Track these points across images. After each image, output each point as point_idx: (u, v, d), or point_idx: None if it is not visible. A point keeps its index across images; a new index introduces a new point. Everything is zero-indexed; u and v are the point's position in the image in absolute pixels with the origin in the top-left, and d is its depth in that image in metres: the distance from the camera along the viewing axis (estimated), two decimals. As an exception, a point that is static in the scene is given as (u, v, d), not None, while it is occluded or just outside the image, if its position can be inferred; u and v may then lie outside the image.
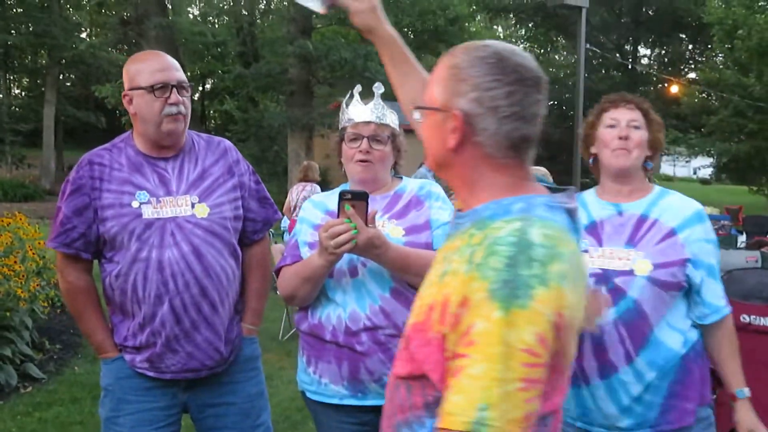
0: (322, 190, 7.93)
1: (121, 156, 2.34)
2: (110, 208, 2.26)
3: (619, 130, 2.24)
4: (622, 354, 2.12)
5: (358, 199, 2.06)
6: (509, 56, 1.26)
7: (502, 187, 1.28)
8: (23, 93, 39.84)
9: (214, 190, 2.37)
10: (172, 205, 2.29)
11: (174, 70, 2.32)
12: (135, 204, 2.26)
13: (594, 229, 2.26)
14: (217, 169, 2.42)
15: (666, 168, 54.03)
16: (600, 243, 2.22)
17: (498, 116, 1.24)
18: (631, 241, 2.18)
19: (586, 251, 2.21)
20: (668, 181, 45.45)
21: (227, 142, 2.55)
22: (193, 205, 2.31)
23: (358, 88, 2.41)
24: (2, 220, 6.30)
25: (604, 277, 2.16)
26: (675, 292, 2.14)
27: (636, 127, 2.25)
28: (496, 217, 1.22)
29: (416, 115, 1.39)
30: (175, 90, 2.29)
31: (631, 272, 2.13)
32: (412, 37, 36.53)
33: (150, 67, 2.30)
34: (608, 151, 2.26)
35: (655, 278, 2.11)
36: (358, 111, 2.35)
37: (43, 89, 31.00)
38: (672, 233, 2.16)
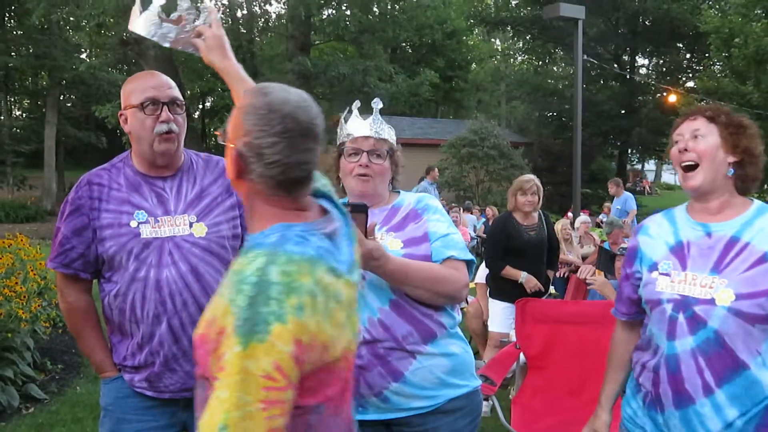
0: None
1: (120, 176, 2.34)
2: (108, 227, 2.26)
3: (682, 143, 2.11)
4: (699, 385, 1.98)
5: (357, 211, 2.05)
6: (280, 107, 1.41)
7: (270, 217, 1.47)
8: (24, 114, 39.95)
9: (212, 210, 2.37)
10: (170, 225, 2.29)
11: (167, 88, 2.32)
12: (133, 223, 2.26)
13: (680, 251, 2.10)
14: (216, 189, 2.42)
15: (667, 177, 54.01)
16: (684, 267, 2.06)
17: (263, 162, 1.42)
18: (717, 268, 2.00)
19: (666, 274, 2.09)
20: (670, 190, 45.43)
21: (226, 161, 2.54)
22: (191, 225, 2.31)
23: (356, 103, 2.42)
24: (3, 242, 6.31)
25: (683, 303, 2.02)
26: (765, 325, 1.94)
27: (699, 137, 2.08)
28: (256, 248, 1.41)
29: (221, 140, 1.54)
30: (166, 107, 2.28)
31: (711, 301, 1.97)
32: (410, 51, 36.76)
33: (142, 85, 2.30)
34: (680, 170, 2.12)
35: (738, 309, 1.94)
36: (356, 126, 2.36)
37: (44, 110, 31.06)
38: (764, 259, 1.97)
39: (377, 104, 2.39)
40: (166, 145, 2.30)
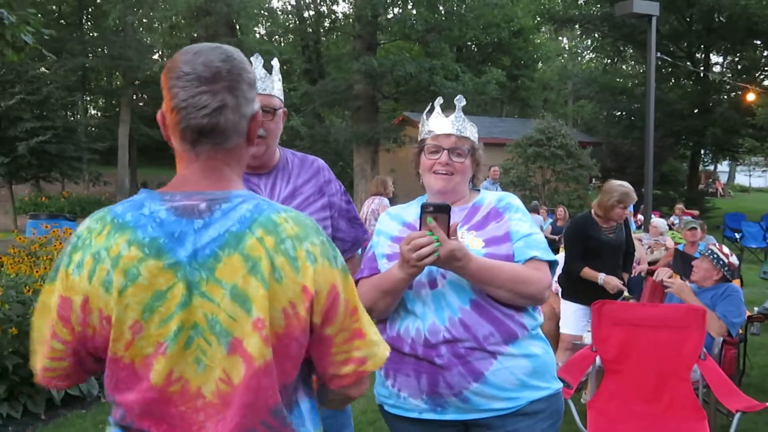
0: (391, 204, 7.95)
1: None
2: None
3: None
4: None
5: (440, 211, 2.04)
6: (182, 56, 1.40)
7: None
8: (99, 113, 41.42)
9: (303, 209, 2.39)
10: None
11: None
12: None
13: None
14: (308, 189, 2.44)
15: (741, 178, 52.23)
16: None
17: (169, 112, 1.39)
18: None
19: None
20: (744, 192, 43.89)
21: (321, 162, 2.56)
22: None
23: (439, 100, 2.42)
24: (65, 231, 6.51)
25: None
26: None
27: None
28: None
29: None
30: None
31: None
32: (475, 50, 36.52)
33: None
34: None
35: None
36: (438, 123, 2.35)
37: (118, 109, 32.14)
38: None
39: (460, 102, 2.37)
40: (254, 149, 2.31)
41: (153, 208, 1.36)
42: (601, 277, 4.95)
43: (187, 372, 1.33)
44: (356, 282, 2.32)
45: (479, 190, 2.45)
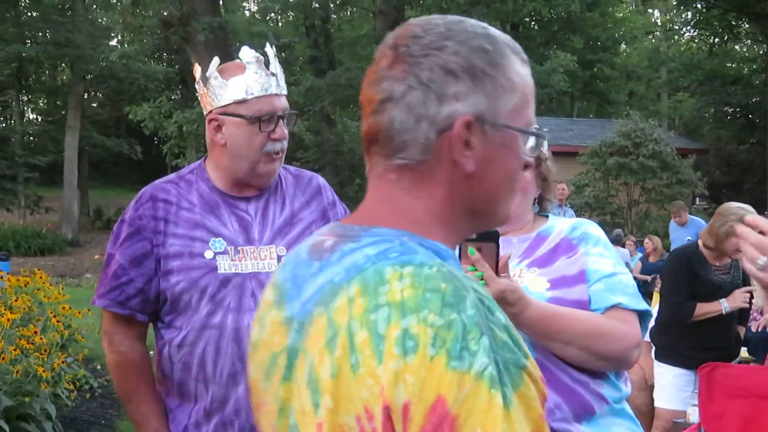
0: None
1: (192, 192, 2.42)
2: (177, 257, 2.33)
3: None
4: None
5: (485, 240, 2.04)
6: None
7: None
8: (40, 118, 41.86)
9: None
10: (253, 258, 2.35)
11: (282, 92, 2.41)
12: (208, 254, 2.32)
13: None
14: (309, 214, 2.48)
15: None
16: None
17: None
18: None
19: None
20: None
21: (320, 179, 2.61)
22: (279, 258, 2.36)
23: None
24: (19, 279, 6.56)
25: None
26: None
27: None
28: None
29: None
30: (281, 122, 2.36)
31: None
32: (536, 28, 36.65)
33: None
34: None
35: None
36: None
37: (64, 112, 32.51)
38: None
39: None
40: (271, 166, 2.38)
41: (309, 240, 1.30)
42: (725, 305, 4.92)
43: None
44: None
45: (547, 216, 2.46)
